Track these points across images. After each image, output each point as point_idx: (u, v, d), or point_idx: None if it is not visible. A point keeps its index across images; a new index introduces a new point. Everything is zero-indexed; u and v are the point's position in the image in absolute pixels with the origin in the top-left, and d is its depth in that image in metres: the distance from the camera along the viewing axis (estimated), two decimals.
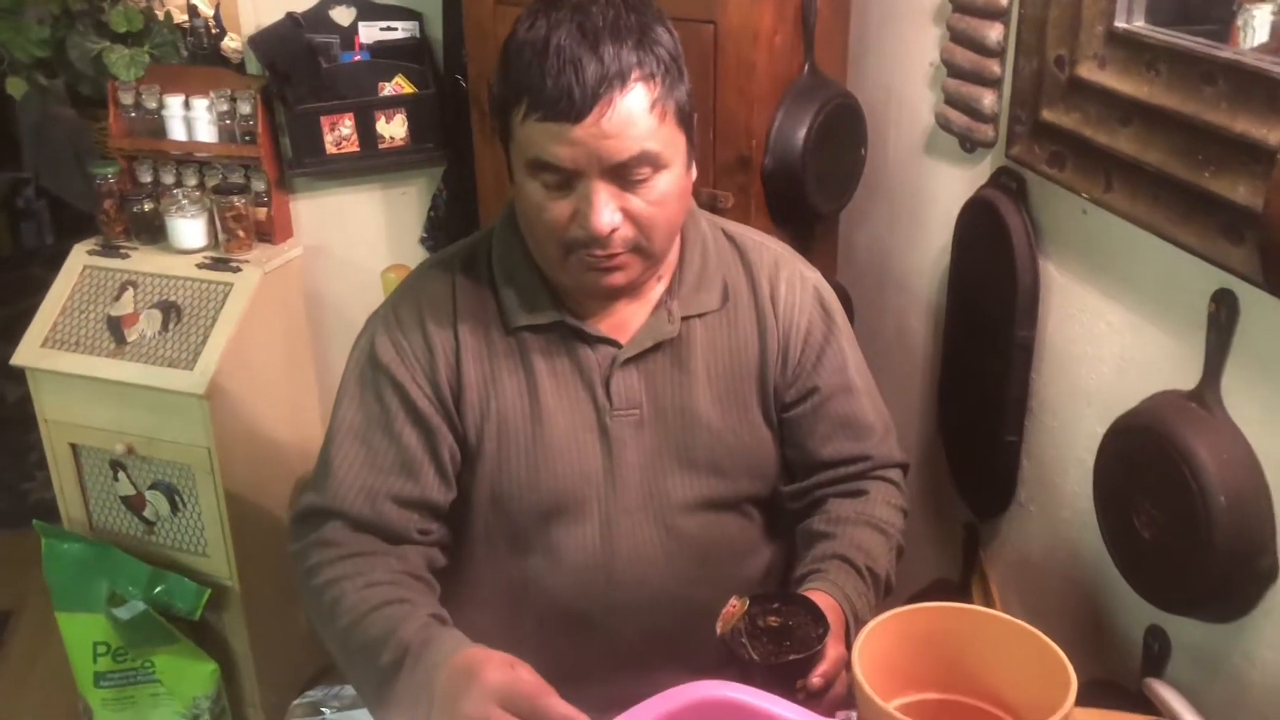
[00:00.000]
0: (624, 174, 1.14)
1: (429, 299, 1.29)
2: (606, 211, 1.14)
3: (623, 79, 1.11)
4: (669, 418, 1.30)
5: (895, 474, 1.42)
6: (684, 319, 1.30)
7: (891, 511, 1.37)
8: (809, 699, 1.09)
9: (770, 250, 1.37)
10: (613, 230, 1.15)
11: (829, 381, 1.36)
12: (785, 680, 1.09)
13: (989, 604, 1.22)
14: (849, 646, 1.11)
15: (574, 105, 1.09)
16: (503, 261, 1.29)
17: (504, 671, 1.04)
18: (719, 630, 1.10)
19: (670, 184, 1.18)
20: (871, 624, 1.03)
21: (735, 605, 1.11)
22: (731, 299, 1.32)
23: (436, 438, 1.27)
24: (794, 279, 1.36)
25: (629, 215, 1.16)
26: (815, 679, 1.10)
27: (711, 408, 1.31)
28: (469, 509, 1.31)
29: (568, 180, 1.14)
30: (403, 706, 1.12)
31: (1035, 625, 1.03)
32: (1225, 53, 1.17)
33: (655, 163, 1.15)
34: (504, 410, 1.28)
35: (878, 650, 1.01)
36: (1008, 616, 1.05)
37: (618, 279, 1.21)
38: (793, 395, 1.36)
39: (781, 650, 1.10)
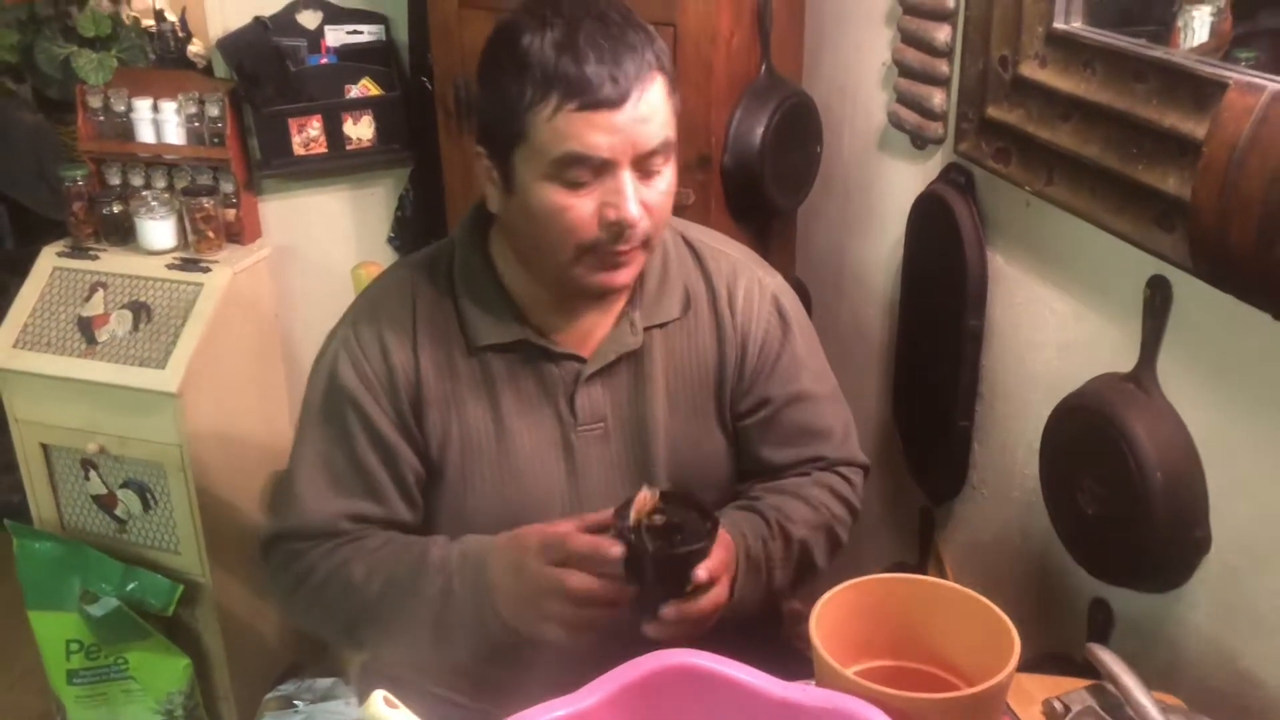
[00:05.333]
0: (646, 164, 1.15)
1: (388, 318, 1.28)
2: (637, 202, 1.15)
3: (650, 67, 1.14)
4: (630, 429, 1.31)
5: (849, 470, 1.41)
6: (646, 329, 1.30)
7: (826, 494, 1.37)
8: (694, 593, 1.13)
9: (729, 257, 1.37)
10: (640, 220, 1.16)
11: (782, 391, 1.36)
12: (674, 572, 1.13)
13: None
14: (734, 581, 1.20)
15: (617, 89, 1.11)
16: (465, 277, 1.28)
17: (536, 534, 1.15)
18: (632, 518, 1.11)
19: (674, 176, 1.20)
20: (827, 594, 1.07)
21: (646, 497, 1.13)
22: (692, 307, 1.32)
23: (399, 460, 1.27)
24: (752, 286, 1.35)
25: (645, 206, 1.16)
26: (700, 572, 1.12)
27: (670, 417, 1.31)
28: (433, 528, 1.31)
29: (596, 173, 1.13)
30: (468, 622, 1.19)
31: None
32: (1155, 52, 1.24)
33: (669, 152, 1.17)
34: (466, 430, 1.27)
35: (834, 619, 1.05)
36: (957, 585, 1.10)
37: (625, 275, 1.21)
38: (747, 404, 1.36)
39: (673, 543, 1.12)
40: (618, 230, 1.15)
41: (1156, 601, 1.34)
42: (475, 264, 1.28)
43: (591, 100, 1.10)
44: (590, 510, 1.25)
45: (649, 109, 1.13)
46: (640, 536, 1.11)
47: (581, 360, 1.28)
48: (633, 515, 1.11)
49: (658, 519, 1.14)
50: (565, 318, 1.28)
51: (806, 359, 1.39)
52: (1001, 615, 1.05)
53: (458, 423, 1.27)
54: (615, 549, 1.09)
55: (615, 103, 1.11)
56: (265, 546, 1.32)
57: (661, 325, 1.31)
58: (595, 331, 1.29)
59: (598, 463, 1.30)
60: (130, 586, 2.21)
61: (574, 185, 1.14)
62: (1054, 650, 1.47)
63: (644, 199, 1.16)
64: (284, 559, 1.29)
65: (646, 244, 1.20)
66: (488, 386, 1.27)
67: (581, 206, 1.15)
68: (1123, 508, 1.28)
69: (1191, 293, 1.22)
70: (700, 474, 1.34)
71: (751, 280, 1.36)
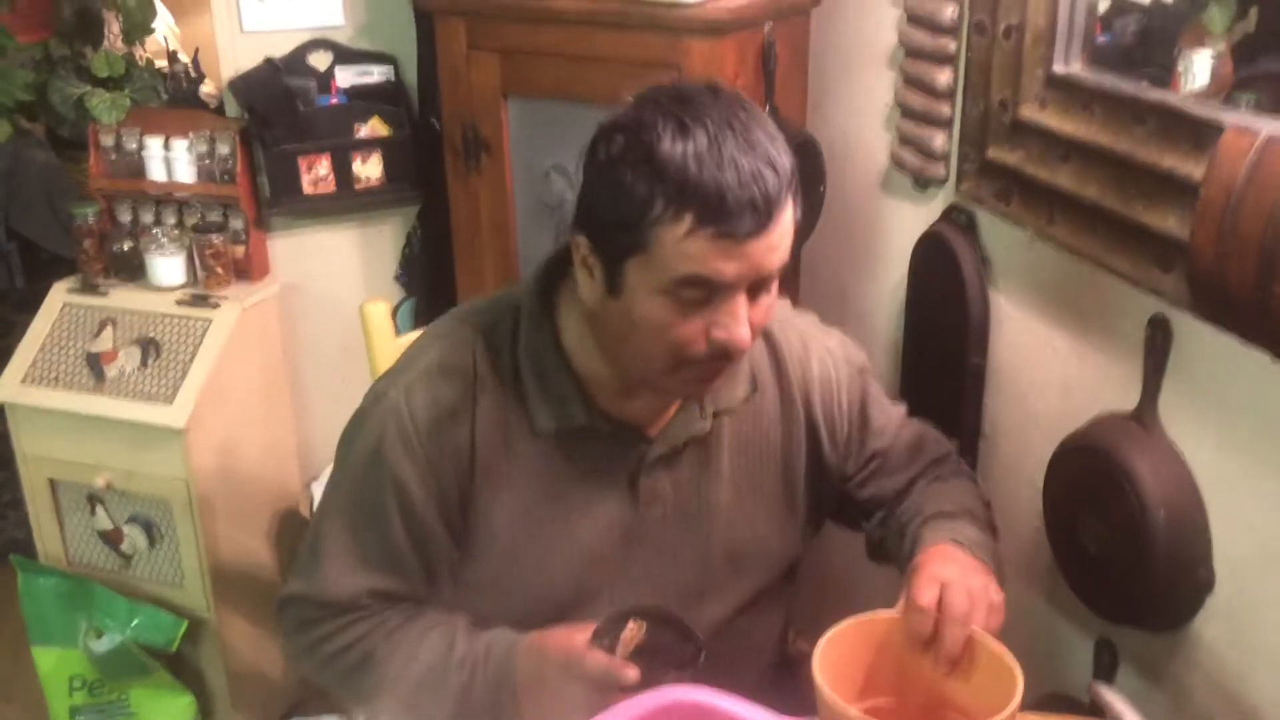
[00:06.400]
0: (762, 286, 1.09)
1: (446, 389, 1.20)
2: (748, 325, 1.09)
3: (785, 188, 1.06)
4: (691, 513, 1.27)
5: (953, 456, 1.42)
6: (714, 414, 1.25)
7: (959, 483, 1.38)
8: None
9: (795, 328, 1.33)
10: (748, 340, 1.10)
11: (883, 434, 1.36)
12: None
13: None
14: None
15: (757, 220, 1.03)
16: (531, 353, 1.21)
17: (557, 649, 1.13)
18: (619, 652, 1.10)
19: (776, 286, 1.14)
20: (830, 632, 1.07)
21: (634, 629, 1.11)
22: (758, 389, 1.28)
23: (433, 546, 1.23)
24: (824, 355, 1.33)
25: (751, 325, 1.10)
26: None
27: (732, 499, 1.28)
28: (472, 602, 1.27)
29: (712, 294, 1.06)
30: (488, 712, 1.18)
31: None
32: (1153, 95, 1.25)
33: (781, 272, 1.12)
34: (519, 511, 1.22)
35: (837, 658, 1.05)
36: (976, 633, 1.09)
37: (719, 383, 1.19)
38: (856, 464, 1.35)
39: (655, 668, 1.10)
40: (724, 351, 1.10)
41: (1161, 641, 1.34)
42: (542, 339, 1.21)
43: (730, 228, 1.03)
44: (641, 591, 1.24)
45: (780, 235, 1.06)
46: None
47: (647, 442, 1.23)
48: (619, 650, 1.10)
49: (642, 639, 1.12)
50: (633, 400, 1.22)
51: (881, 393, 1.39)
52: (1005, 653, 1.05)
53: (510, 503, 1.22)
54: (630, 673, 1.07)
55: (753, 233, 1.04)
56: (283, 604, 1.30)
57: (729, 410, 1.26)
58: (662, 414, 1.24)
59: (655, 546, 1.26)
60: (134, 622, 2.21)
61: (687, 303, 1.07)
62: (1059, 691, 1.46)
63: (750, 315, 1.10)
64: (300, 622, 1.28)
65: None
66: (546, 467, 1.22)
67: (691, 325, 1.08)
68: (1126, 547, 1.29)
69: (1192, 332, 1.23)
70: (758, 556, 1.32)
71: (821, 349, 1.34)
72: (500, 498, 1.22)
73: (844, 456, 1.35)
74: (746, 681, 1.13)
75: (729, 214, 1.02)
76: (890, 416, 1.39)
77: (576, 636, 1.12)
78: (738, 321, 1.08)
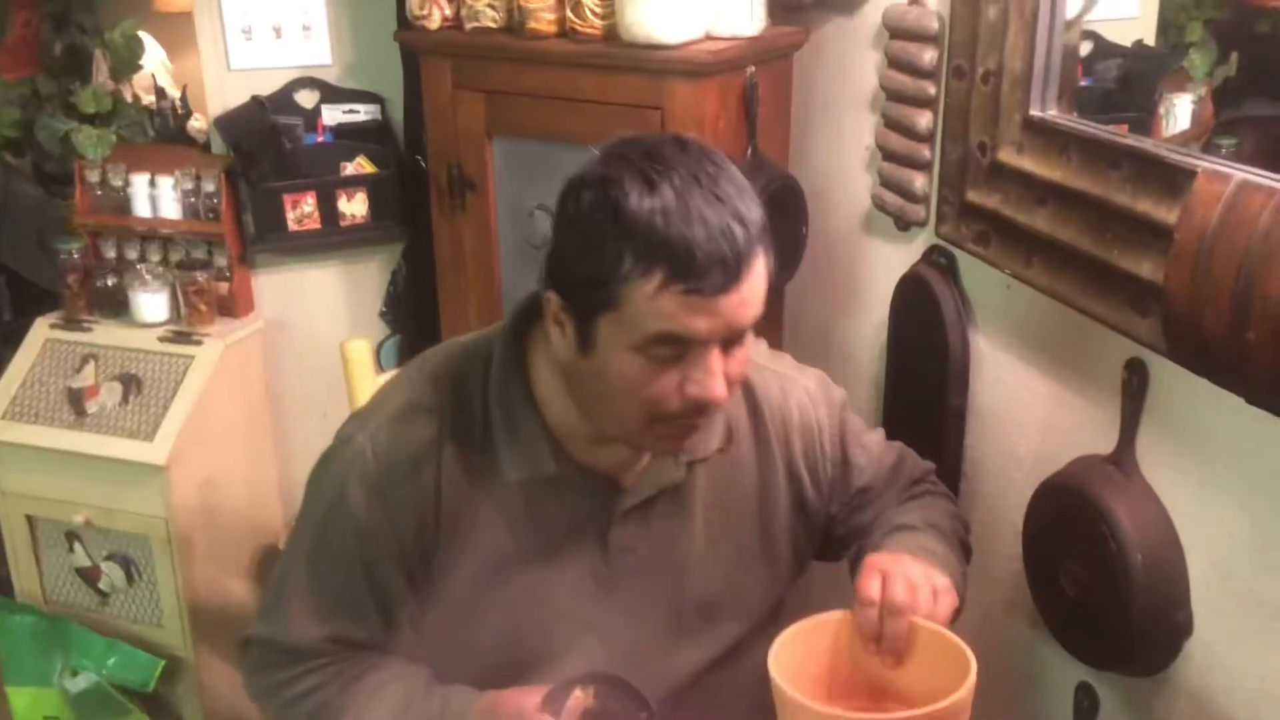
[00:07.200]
0: (736, 339, 1.08)
1: (413, 436, 1.18)
2: (723, 380, 1.07)
3: (756, 241, 1.04)
4: (664, 563, 1.25)
5: (929, 477, 1.42)
6: (688, 464, 1.23)
7: (931, 501, 1.37)
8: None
9: (773, 374, 1.32)
10: (722, 395, 1.08)
11: (866, 471, 1.35)
12: None
13: None
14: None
15: (727, 276, 1.01)
16: (501, 402, 1.19)
17: (510, 713, 1.12)
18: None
19: (751, 339, 1.13)
20: (782, 636, 1.07)
21: (580, 698, 1.10)
22: (734, 439, 1.27)
23: (393, 597, 1.21)
24: (803, 400, 1.32)
25: (726, 379, 1.08)
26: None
27: (706, 549, 1.26)
28: (435, 655, 1.25)
29: (685, 350, 1.05)
30: None
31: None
32: (1128, 139, 1.26)
33: (755, 326, 1.10)
34: (486, 562, 1.20)
35: (791, 661, 1.05)
36: (922, 622, 1.09)
37: (694, 439, 1.17)
38: (838, 505, 1.34)
39: None
40: (699, 406, 1.08)
41: (1141, 685, 1.33)
42: (514, 388, 1.19)
43: (699, 286, 1.01)
44: (612, 642, 1.24)
45: (752, 290, 1.05)
46: None
47: (620, 492, 1.22)
48: (564, 718, 1.09)
49: (594, 705, 1.11)
50: (605, 449, 1.20)
51: (860, 426, 1.38)
52: (953, 639, 1.05)
53: (477, 553, 1.20)
54: None
55: (724, 289, 1.02)
56: (245, 644, 1.30)
57: (703, 459, 1.25)
58: (634, 464, 1.22)
59: (626, 596, 1.24)
60: (110, 661, 2.19)
61: (660, 360, 1.06)
62: None
63: (726, 370, 1.08)
64: (260, 664, 1.28)
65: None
66: (514, 517, 1.20)
67: (664, 381, 1.07)
68: (1104, 590, 1.28)
69: (1169, 375, 1.23)
70: (731, 606, 1.30)
71: (801, 395, 1.32)
72: (466, 547, 1.20)
73: (828, 498, 1.34)
74: None
75: (698, 271, 1.01)
76: (871, 451, 1.38)
77: (529, 699, 1.12)
78: (712, 377, 1.06)
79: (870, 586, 1.10)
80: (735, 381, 1.12)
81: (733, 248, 1.01)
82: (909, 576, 1.11)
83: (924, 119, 1.66)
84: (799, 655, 1.06)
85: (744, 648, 1.32)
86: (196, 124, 2.53)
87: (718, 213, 1.02)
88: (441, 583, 1.21)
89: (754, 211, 1.05)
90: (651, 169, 1.03)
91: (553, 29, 1.86)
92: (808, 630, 1.10)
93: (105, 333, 2.32)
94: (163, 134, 2.46)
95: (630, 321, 1.04)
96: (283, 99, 2.38)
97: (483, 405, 1.20)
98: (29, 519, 2.29)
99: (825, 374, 1.39)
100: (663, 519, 1.24)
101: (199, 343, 2.27)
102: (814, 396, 1.34)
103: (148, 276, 2.31)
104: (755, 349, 1.28)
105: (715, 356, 1.06)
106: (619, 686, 1.12)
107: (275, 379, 2.49)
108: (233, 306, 2.37)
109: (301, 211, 2.35)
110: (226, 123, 2.33)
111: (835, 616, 1.12)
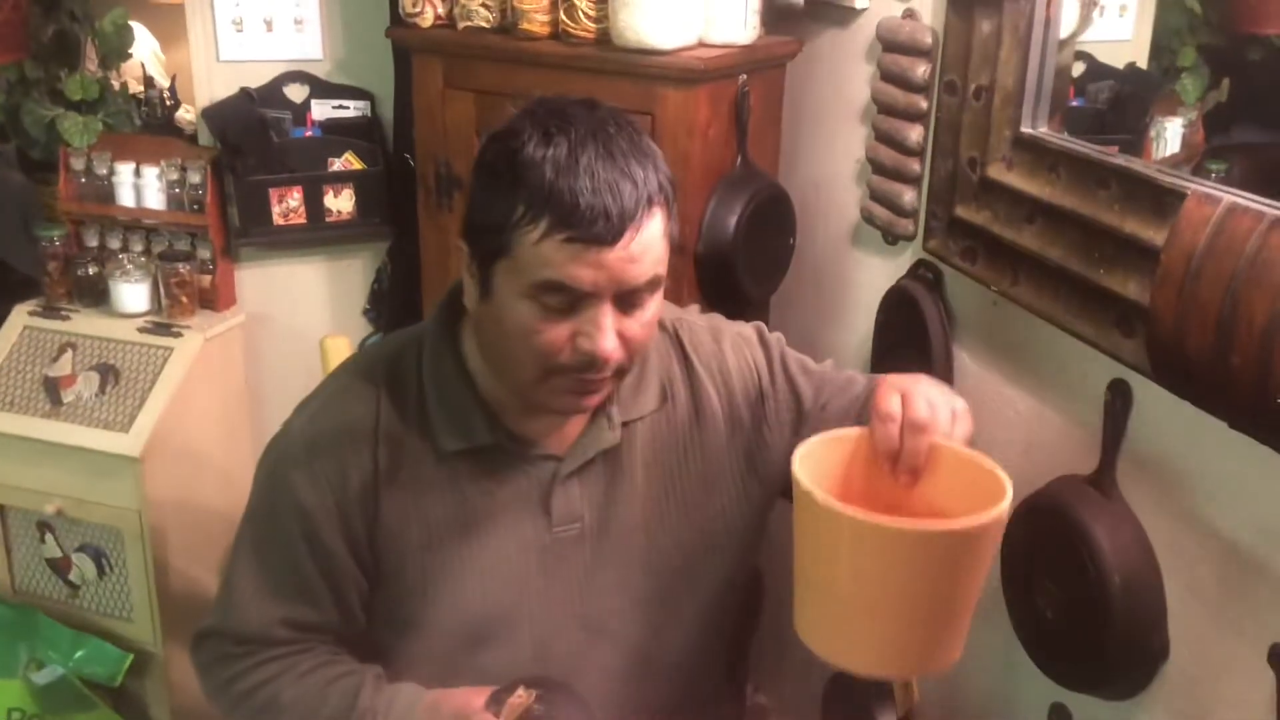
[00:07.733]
0: (631, 298, 1.10)
1: (349, 419, 1.22)
2: (613, 336, 1.09)
3: (649, 203, 1.08)
4: (608, 527, 1.26)
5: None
6: (624, 424, 1.25)
7: None
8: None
9: (704, 327, 1.35)
10: (614, 353, 1.11)
11: (817, 387, 1.34)
12: None
13: (907, 695, 1.24)
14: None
15: (610, 228, 1.05)
16: (434, 377, 1.22)
17: (453, 712, 1.13)
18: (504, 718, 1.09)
19: (659, 306, 1.16)
20: (801, 447, 1.03)
21: (523, 697, 1.10)
22: (670, 398, 1.28)
23: (341, 574, 1.22)
24: (738, 341, 1.34)
25: (623, 338, 1.11)
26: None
27: (651, 512, 1.27)
28: (388, 637, 1.27)
29: (574, 303, 1.08)
30: None
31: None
32: (1116, 159, 1.26)
33: (656, 286, 1.12)
34: (429, 538, 1.22)
35: (814, 472, 1.00)
36: (945, 443, 1.06)
37: (593, 400, 1.18)
38: (807, 428, 1.30)
39: None
40: (589, 360, 1.10)
41: (1116, 709, 1.32)
42: (446, 362, 1.22)
43: (581, 235, 1.05)
44: (560, 610, 1.24)
45: (641, 248, 1.07)
46: None
47: (556, 459, 1.23)
48: (504, 715, 1.09)
49: (536, 709, 1.11)
50: (538, 417, 1.22)
51: (805, 359, 1.38)
52: (981, 459, 1.02)
53: (419, 530, 1.22)
54: None
55: (606, 240, 1.05)
56: (198, 638, 1.30)
57: (639, 419, 1.26)
58: (570, 429, 1.24)
59: (574, 564, 1.25)
60: (78, 654, 2.17)
61: (551, 310, 1.08)
62: None
63: (623, 329, 1.10)
64: (214, 658, 1.28)
65: (619, 372, 1.16)
66: (455, 491, 1.22)
67: (555, 331, 1.09)
68: (1081, 612, 1.27)
69: (1152, 397, 1.23)
70: (680, 567, 1.29)
71: (735, 338, 1.35)
72: (409, 521, 1.22)
73: (791, 426, 1.32)
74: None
75: (581, 219, 1.04)
76: (820, 372, 1.37)
77: (475, 699, 1.13)
78: (601, 331, 1.09)
79: (890, 401, 1.06)
80: (637, 344, 1.14)
81: (617, 202, 1.05)
82: (929, 395, 1.08)
83: (915, 133, 1.66)
84: (812, 470, 1.00)
85: (703, 613, 1.32)
86: (185, 115, 2.51)
87: (607, 168, 1.06)
88: (387, 558, 1.23)
89: (651, 175, 1.09)
90: (553, 124, 1.08)
91: (545, 30, 1.86)
92: (825, 443, 1.05)
93: (84, 322, 2.29)
94: (150, 124, 2.44)
95: (521, 268, 1.08)
96: (272, 92, 2.36)
97: (417, 381, 1.23)
98: (0, 507, 2.27)
99: (762, 324, 1.39)
100: (602, 483, 1.25)
101: (179, 335, 2.25)
102: (748, 338, 1.36)
103: (129, 266, 2.29)
104: (688, 311, 1.36)
105: (605, 312, 1.09)
106: (564, 694, 1.13)
107: (255, 374, 2.47)
108: (214, 299, 2.35)
109: (287, 206, 2.33)
110: (213, 114, 2.31)
111: (852, 433, 1.07)
